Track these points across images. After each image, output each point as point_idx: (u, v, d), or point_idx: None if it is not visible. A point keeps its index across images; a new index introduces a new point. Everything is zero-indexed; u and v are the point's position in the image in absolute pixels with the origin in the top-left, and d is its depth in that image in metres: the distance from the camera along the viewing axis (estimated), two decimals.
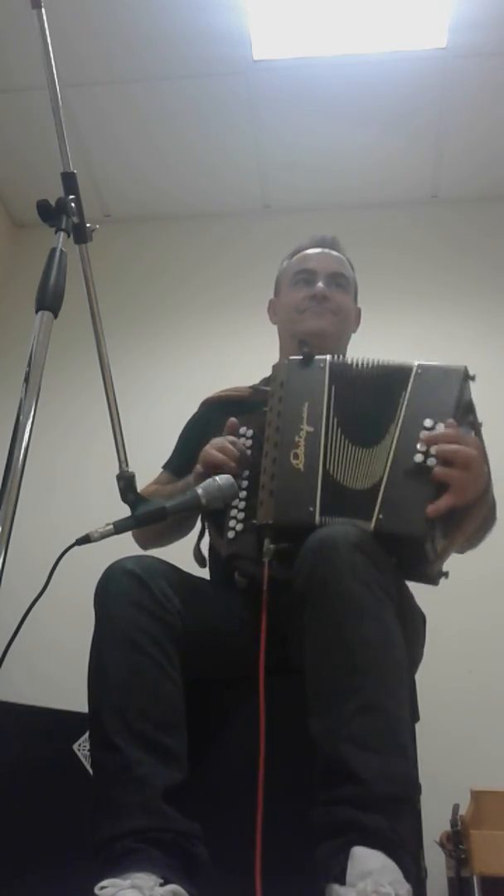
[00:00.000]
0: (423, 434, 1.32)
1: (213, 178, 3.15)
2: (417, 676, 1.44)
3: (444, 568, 1.36)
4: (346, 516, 1.29)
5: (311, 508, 1.30)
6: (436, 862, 1.66)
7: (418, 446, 1.31)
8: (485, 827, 1.56)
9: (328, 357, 1.46)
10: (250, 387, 1.78)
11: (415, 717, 1.35)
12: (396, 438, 1.34)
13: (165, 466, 1.78)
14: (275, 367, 1.49)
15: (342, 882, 0.98)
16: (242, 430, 1.51)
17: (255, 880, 1.01)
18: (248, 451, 1.47)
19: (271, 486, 1.34)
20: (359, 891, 0.95)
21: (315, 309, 1.74)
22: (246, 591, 1.42)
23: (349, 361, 1.46)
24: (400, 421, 1.36)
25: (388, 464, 1.32)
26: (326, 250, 1.84)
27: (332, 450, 1.36)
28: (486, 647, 2.41)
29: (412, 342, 2.88)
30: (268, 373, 1.84)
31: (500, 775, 1.85)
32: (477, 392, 1.49)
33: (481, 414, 1.49)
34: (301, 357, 1.46)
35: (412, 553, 1.29)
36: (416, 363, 1.42)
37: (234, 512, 1.43)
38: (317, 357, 1.45)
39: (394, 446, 1.34)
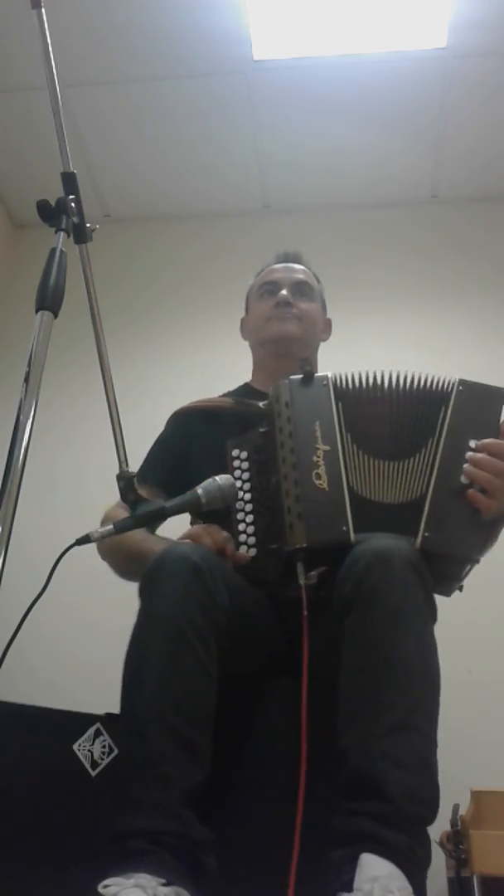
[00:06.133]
0: (469, 455, 1.34)
1: (213, 178, 3.15)
2: None
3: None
4: (386, 530, 1.28)
5: (345, 527, 1.30)
6: (436, 862, 1.65)
7: (466, 467, 1.33)
8: (485, 827, 1.56)
9: (329, 374, 1.45)
10: (226, 397, 1.79)
11: None
12: (440, 455, 1.35)
13: (143, 481, 1.50)
14: (274, 388, 1.47)
15: (349, 889, 0.98)
16: (235, 452, 1.49)
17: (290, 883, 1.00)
18: (246, 473, 1.46)
19: (298, 508, 1.31)
20: (365, 893, 0.95)
21: (279, 315, 1.79)
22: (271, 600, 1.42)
23: (350, 377, 1.45)
24: (442, 437, 1.37)
25: (433, 481, 1.33)
26: (290, 264, 1.89)
27: (352, 466, 1.36)
28: (486, 648, 2.41)
29: (412, 342, 2.89)
30: (238, 380, 1.87)
31: (500, 775, 1.85)
32: None
33: None
34: (301, 376, 1.44)
35: (449, 571, 1.31)
36: (457, 378, 1.43)
37: (242, 537, 1.41)
38: (317, 375, 1.45)
39: (437, 463, 1.34)
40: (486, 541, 1.37)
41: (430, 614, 1.22)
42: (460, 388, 1.41)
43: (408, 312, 3.02)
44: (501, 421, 1.41)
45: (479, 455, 1.34)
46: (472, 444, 1.35)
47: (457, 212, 3.17)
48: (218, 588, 1.26)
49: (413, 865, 1.03)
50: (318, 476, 1.33)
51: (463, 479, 1.33)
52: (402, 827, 1.04)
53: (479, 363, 2.70)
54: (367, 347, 2.75)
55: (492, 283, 3.04)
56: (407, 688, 1.12)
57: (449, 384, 1.43)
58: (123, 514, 1.44)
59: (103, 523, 1.57)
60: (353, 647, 1.18)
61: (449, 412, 1.39)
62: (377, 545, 1.23)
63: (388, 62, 2.71)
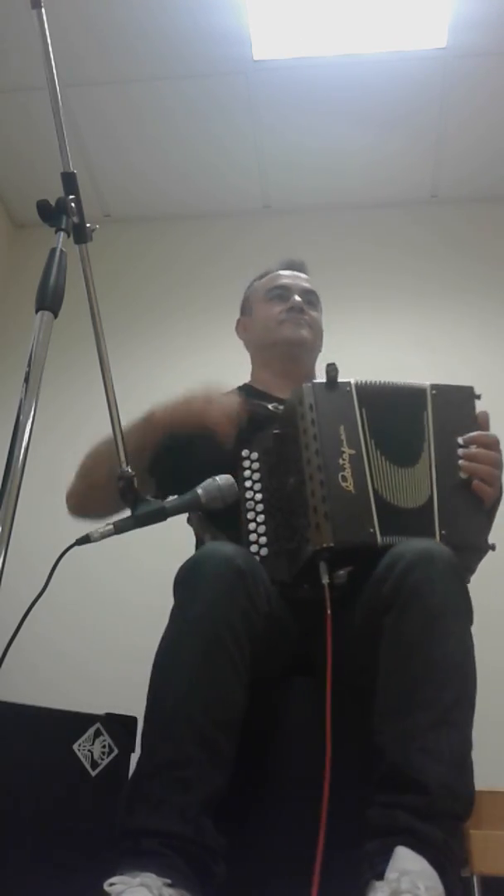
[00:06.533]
0: (462, 451, 1.40)
1: (213, 178, 3.15)
2: None
3: None
4: (408, 534, 1.31)
5: (371, 529, 1.32)
6: None
7: (461, 463, 1.39)
8: (485, 827, 1.55)
9: (352, 380, 1.47)
10: (237, 395, 1.79)
11: None
12: (434, 457, 1.40)
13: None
14: (295, 390, 1.49)
15: (381, 878, 0.99)
16: (245, 452, 1.51)
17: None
18: (256, 474, 1.48)
19: (324, 508, 1.33)
20: (391, 885, 0.96)
21: (293, 319, 1.83)
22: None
23: (373, 383, 1.48)
24: (431, 440, 1.42)
25: (434, 482, 1.38)
26: (297, 273, 1.94)
27: (376, 471, 1.39)
28: (486, 647, 2.40)
29: (412, 342, 2.89)
30: (239, 380, 1.88)
31: (500, 775, 1.85)
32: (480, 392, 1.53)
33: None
34: (326, 380, 1.46)
35: (467, 564, 1.36)
36: (427, 384, 1.48)
37: (253, 536, 1.42)
38: (340, 380, 1.46)
39: (433, 465, 1.40)
40: (489, 526, 1.43)
41: (468, 615, 1.26)
42: (434, 391, 1.47)
43: (408, 312, 3.02)
44: (476, 413, 1.47)
45: (473, 450, 1.40)
46: (460, 440, 1.41)
47: (457, 212, 3.17)
48: (259, 593, 1.26)
49: (448, 861, 1.03)
50: (345, 478, 1.35)
51: (462, 475, 1.39)
52: (437, 821, 1.05)
53: (479, 363, 2.71)
54: (367, 347, 2.75)
55: (492, 283, 3.04)
56: (447, 686, 1.15)
57: (423, 389, 1.48)
58: (105, 448, 1.50)
59: (84, 464, 1.68)
60: (392, 645, 1.20)
61: (430, 416, 1.44)
62: (417, 546, 1.25)
63: (388, 62, 2.71)
